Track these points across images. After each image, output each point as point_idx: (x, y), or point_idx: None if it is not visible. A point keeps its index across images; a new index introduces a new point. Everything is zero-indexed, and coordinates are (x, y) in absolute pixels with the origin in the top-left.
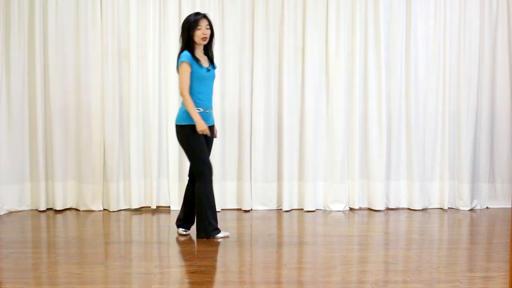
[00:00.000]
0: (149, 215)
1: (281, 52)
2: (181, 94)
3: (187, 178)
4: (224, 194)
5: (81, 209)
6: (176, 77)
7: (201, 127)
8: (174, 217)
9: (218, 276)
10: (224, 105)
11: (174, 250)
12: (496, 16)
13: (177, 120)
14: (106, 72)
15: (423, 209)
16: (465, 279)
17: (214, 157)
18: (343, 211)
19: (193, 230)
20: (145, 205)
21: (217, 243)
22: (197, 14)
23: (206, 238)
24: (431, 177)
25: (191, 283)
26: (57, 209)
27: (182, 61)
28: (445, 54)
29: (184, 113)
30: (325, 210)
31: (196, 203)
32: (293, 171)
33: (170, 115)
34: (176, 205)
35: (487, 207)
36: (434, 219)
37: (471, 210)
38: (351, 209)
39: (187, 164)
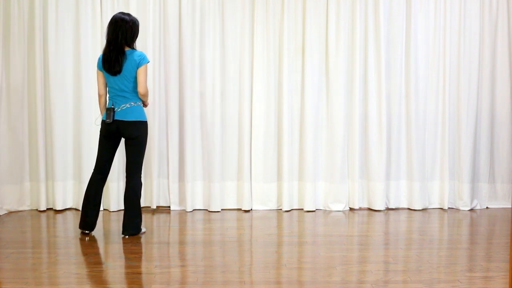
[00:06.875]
0: (149, 215)
1: (281, 52)
2: (146, 91)
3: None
4: (224, 194)
5: (81, 209)
6: (174, 75)
7: None
8: (174, 217)
9: (218, 276)
10: (224, 105)
11: (174, 250)
12: (496, 16)
13: (141, 116)
14: None
15: (423, 209)
16: (465, 279)
17: (215, 157)
18: (343, 211)
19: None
20: (145, 205)
21: (217, 243)
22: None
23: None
24: (431, 177)
25: (191, 283)
26: (57, 209)
27: (148, 62)
28: (445, 55)
29: (142, 109)
30: (325, 210)
31: (134, 200)
32: (293, 171)
33: (170, 115)
34: (176, 205)
35: (487, 207)
36: (434, 219)
37: (471, 210)
38: (351, 209)
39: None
